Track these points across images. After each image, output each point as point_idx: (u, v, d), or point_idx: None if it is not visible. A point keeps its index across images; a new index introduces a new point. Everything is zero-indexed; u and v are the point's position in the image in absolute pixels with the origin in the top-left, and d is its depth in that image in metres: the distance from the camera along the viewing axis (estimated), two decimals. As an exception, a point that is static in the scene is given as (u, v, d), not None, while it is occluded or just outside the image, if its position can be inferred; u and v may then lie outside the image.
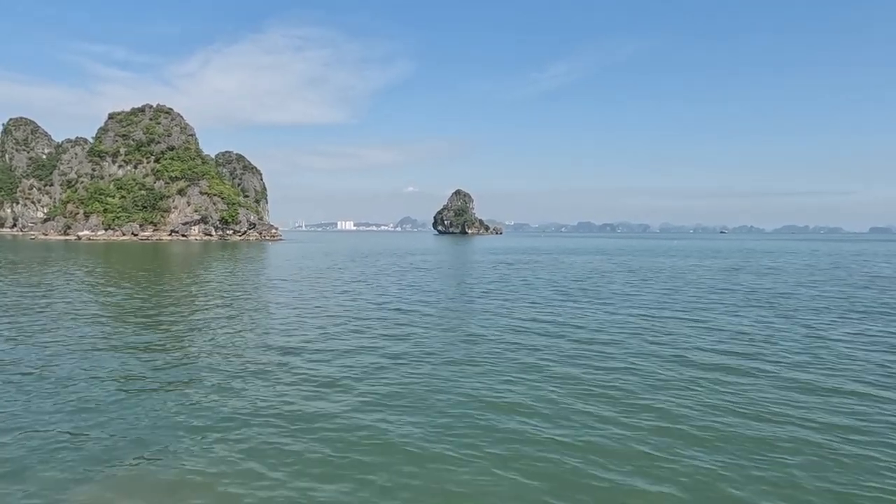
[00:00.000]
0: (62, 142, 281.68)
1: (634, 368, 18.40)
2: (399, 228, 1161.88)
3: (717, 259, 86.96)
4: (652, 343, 22.46)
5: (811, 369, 18.37)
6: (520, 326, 26.12)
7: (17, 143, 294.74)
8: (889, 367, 18.77)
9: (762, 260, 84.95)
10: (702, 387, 16.29)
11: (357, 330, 24.99)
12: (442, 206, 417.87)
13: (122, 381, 16.44)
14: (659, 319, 28.34)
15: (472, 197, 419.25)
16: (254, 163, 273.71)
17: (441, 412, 13.99)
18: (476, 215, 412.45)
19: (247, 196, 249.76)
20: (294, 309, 31.43)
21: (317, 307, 32.18)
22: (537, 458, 11.38)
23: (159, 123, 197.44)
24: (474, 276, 53.92)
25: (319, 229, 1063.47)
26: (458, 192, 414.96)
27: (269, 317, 28.72)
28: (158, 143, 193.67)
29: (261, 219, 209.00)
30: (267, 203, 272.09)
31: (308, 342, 22.26)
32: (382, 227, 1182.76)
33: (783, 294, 39.66)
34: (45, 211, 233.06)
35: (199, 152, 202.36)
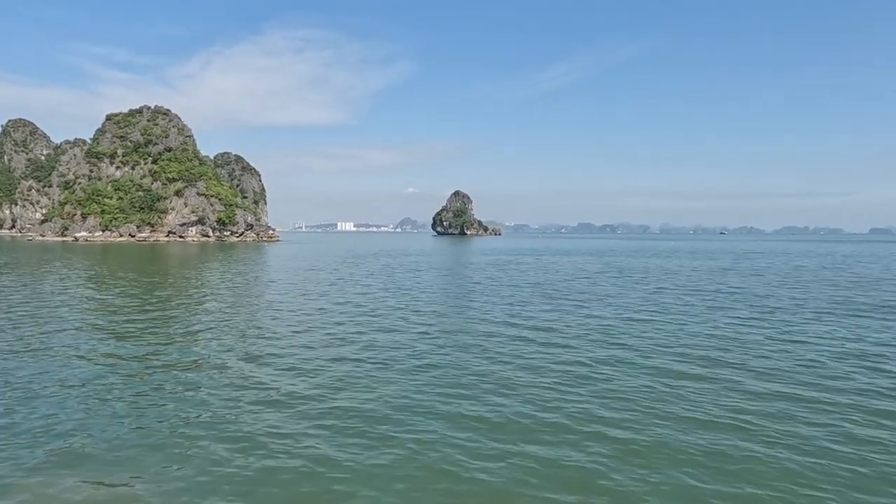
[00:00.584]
0: (61, 143, 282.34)
1: (583, 370, 18.47)
2: (399, 229, 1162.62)
3: (707, 260, 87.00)
4: (613, 344, 22.54)
5: (765, 373, 18.43)
6: (484, 329, 26.23)
7: (16, 144, 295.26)
8: (838, 370, 18.91)
9: (752, 261, 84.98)
10: (648, 390, 16.33)
11: (312, 330, 25.10)
12: (441, 208, 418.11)
13: (70, 384, 16.60)
14: (628, 321, 28.42)
15: (472, 198, 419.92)
16: (255, 164, 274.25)
17: (359, 415, 14.09)
18: (475, 216, 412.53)
19: (245, 197, 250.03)
20: (264, 311, 31.61)
21: (287, 310, 32.33)
22: (444, 461, 11.51)
23: (157, 125, 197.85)
24: (459, 278, 54.08)
25: (320, 230, 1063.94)
26: (456, 194, 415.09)
27: (233, 319, 28.86)
28: (156, 144, 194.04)
29: (258, 220, 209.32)
30: (266, 204, 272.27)
31: (259, 345, 22.38)
32: (382, 228, 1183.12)
33: (762, 295, 39.74)
34: (44, 212, 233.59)
35: (196, 153, 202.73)
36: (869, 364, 19.40)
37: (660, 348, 21.83)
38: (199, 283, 46.53)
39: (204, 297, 37.27)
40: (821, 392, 16.10)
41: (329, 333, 24.51)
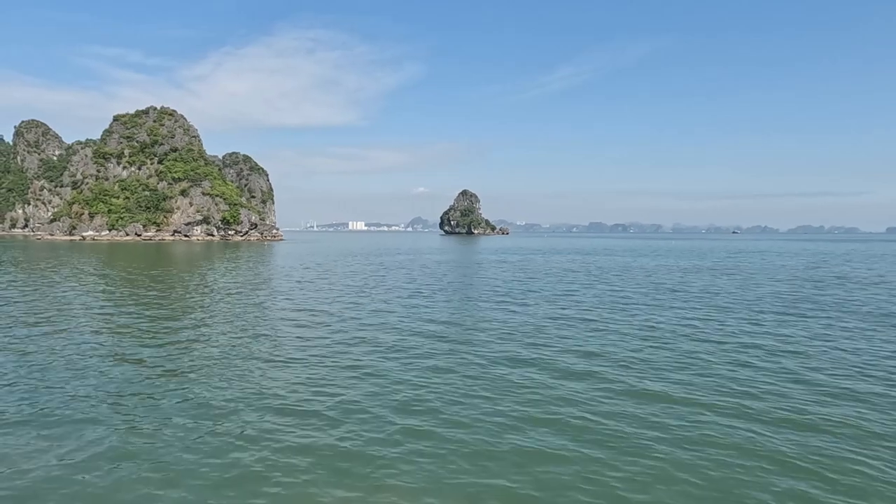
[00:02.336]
0: (72, 144, 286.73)
1: (486, 369, 19.51)
2: (410, 229, 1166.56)
3: (693, 259, 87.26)
4: (527, 343, 23.51)
5: (664, 374, 19.38)
6: (418, 326, 27.44)
7: (29, 144, 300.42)
8: (723, 369, 19.88)
9: (738, 260, 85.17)
10: (542, 388, 17.35)
11: (265, 326, 26.47)
12: (448, 207, 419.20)
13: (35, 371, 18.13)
14: (567, 319, 29.31)
15: (480, 198, 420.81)
16: (266, 164, 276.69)
17: (266, 406, 15.41)
18: (482, 215, 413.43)
19: (253, 197, 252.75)
20: (233, 306, 33.04)
21: (253, 306, 33.70)
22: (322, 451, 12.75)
23: (163, 125, 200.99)
24: (437, 276, 55.10)
25: (331, 229, 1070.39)
26: (464, 193, 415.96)
27: (198, 317, 30.28)
28: (162, 144, 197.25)
29: (263, 219, 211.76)
30: (273, 204, 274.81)
31: (213, 341, 23.81)
32: (393, 228, 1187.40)
33: (726, 293, 40.26)
34: (55, 212, 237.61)
35: (202, 153, 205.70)
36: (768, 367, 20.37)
37: (567, 347, 22.80)
38: (193, 280, 48.18)
39: (192, 292, 38.82)
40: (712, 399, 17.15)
41: (284, 330, 25.90)
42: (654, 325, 27.22)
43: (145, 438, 12.60)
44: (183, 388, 16.22)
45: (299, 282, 48.16)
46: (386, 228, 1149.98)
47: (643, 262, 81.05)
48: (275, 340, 23.16)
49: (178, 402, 15.02)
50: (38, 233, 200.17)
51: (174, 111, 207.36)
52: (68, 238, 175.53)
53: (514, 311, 31.41)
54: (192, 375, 17.65)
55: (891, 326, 26.95)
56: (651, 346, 22.22)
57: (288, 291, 41.02)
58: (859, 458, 11.80)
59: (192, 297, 36.94)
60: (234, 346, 22.10)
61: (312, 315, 29.81)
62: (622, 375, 17.86)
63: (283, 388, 16.39)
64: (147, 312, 30.09)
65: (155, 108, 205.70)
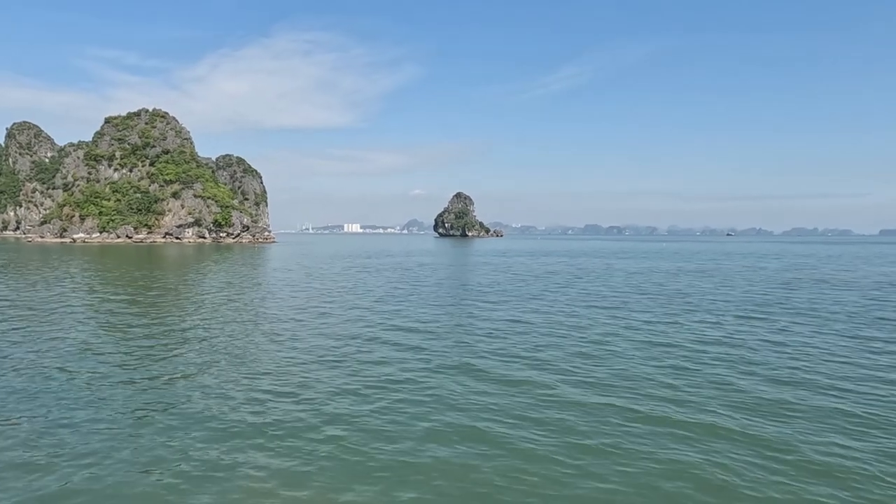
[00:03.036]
0: (64, 146, 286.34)
1: (424, 374, 19.68)
2: (405, 231, 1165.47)
3: (676, 262, 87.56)
4: (475, 348, 23.65)
5: (600, 379, 19.67)
6: (376, 333, 27.60)
7: (21, 147, 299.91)
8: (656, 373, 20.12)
9: (719, 263, 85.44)
10: (472, 394, 17.57)
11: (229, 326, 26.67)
12: (443, 209, 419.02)
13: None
14: (527, 323, 29.45)
15: (475, 200, 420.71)
16: (265, 166, 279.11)
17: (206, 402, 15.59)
18: (477, 218, 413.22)
19: (247, 199, 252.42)
20: (207, 308, 33.16)
21: (214, 310, 33.78)
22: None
23: (154, 127, 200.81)
24: (417, 279, 55.23)
25: (326, 232, 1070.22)
26: (458, 195, 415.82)
27: (171, 320, 30.41)
28: (153, 146, 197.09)
29: (255, 221, 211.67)
30: (266, 206, 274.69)
31: (177, 339, 23.98)
32: (389, 230, 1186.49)
33: (698, 295, 40.49)
34: (46, 214, 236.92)
35: (193, 156, 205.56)
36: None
37: (512, 350, 22.93)
38: (169, 283, 48.28)
39: (150, 299, 38.95)
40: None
41: (251, 328, 26.07)
42: (611, 328, 27.38)
43: (53, 442, 12.68)
44: (111, 395, 16.30)
45: (274, 285, 48.30)
46: (381, 231, 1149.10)
47: (627, 264, 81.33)
48: (223, 347, 23.27)
49: (100, 408, 15.07)
50: (29, 235, 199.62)
51: (166, 113, 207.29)
52: (59, 240, 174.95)
53: (475, 315, 31.55)
54: (124, 381, 17.76)
55: (848, 328, 27.23)
56: (602, 351, 22.38)
57: (259, 297, 41.15)
58: (759, 465, 12.04)
59: (159, 303, 37.05)
60: (178, 353, 22.22)
61: (273, 322, 29.97)
62: (556, 381, 18.02)
63: (210, 395, 16.46)
64: (110, 318, 30.19)
65: (147, 111, 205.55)
